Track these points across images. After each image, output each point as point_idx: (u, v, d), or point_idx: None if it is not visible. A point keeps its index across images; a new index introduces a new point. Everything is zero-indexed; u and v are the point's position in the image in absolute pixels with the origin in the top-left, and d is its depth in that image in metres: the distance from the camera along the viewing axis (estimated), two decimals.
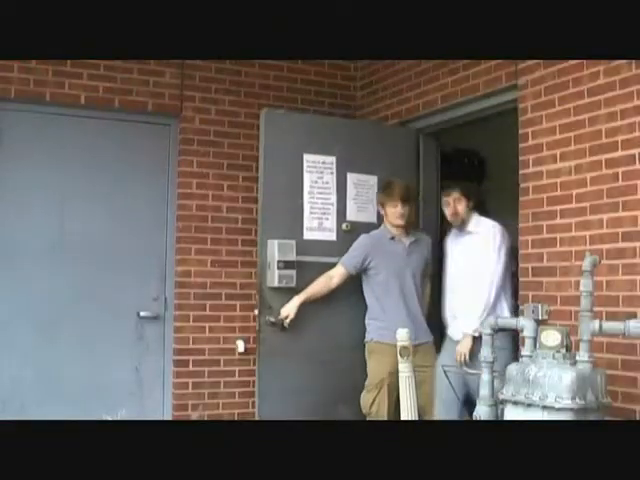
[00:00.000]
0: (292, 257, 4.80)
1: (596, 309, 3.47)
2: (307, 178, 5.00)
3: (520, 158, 4.48)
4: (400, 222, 4.79)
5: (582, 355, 3.36)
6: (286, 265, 4.77)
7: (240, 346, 5.53)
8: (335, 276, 4.80)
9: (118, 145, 5.35)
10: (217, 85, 5.63)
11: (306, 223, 4.98)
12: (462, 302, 4.53)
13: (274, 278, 4.78)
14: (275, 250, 4.78)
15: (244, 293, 5.61)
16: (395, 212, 4.77)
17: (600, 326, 3.37)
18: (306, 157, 5.01)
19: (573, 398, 3.24)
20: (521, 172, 4.47)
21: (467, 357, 4.34)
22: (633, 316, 3.51)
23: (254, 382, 5.59)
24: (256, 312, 4.87)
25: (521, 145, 4.48)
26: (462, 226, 4.63)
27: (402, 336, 4.29)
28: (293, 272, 4.79)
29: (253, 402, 5.58)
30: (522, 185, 4.45)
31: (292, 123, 5.04)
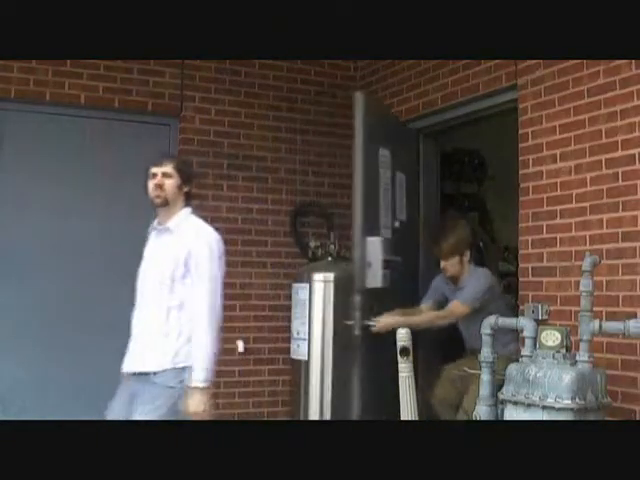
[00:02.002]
0: (387, 256, 4.53)
1: (596, 309, 3.47)
2: (382, 173, 4.79)
3: (520, 158, 4.48)
4: (448, 274, 4.64)
5: (582, 355, 3.36)
6: (386, 264, 4.52)
7: (240, 346, 5.53)
8: (456, 316, 4.50)
9: (118, 145, 5.34)
10: (217, 85, 5.64)
11: (381, 220, 4.75)
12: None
13: (377, 278, 4.46)
14: (379, 248, 4.49)
15: (244, 293, 5.62)
16: (442, 265, 4.62)
17: (600, 326, 3.37)
18: (381, 151, 4.78)
19: (573, 398, 3.25)
20: (521, 172, 4.47)
21: None
22: (633, 316, 3.52)
23: (254, 382, 5.62)
24: (357, 315, 4.46)
25: (521, 145, 4.48)
26: (165, 210, 3.56)
27: (402, 336, 4.28)
28: (388, 272, 4.54)
29: (253, 402, 5.60)
30: (522, 185, 4.45)
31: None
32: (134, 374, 3.37)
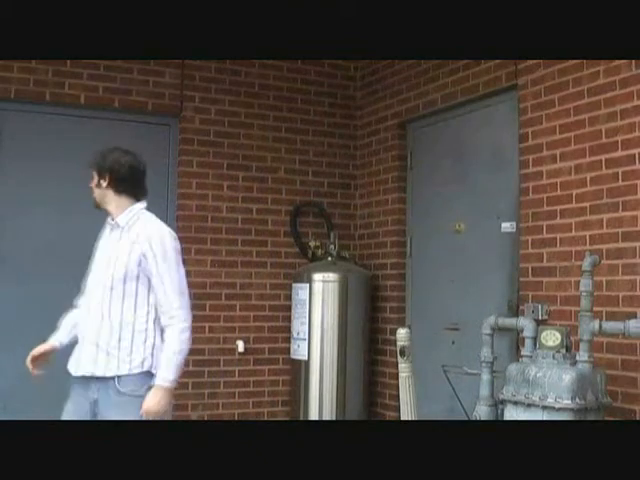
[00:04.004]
0: None
1: (596, 309, 3.48)
2: None
3: (520, 158, 4.48)
4: None
5: (582, 355, 3.37)
6: None
7: (240, 346, 5.54)
8: None
9: (118, 145, 5.33)
10: (217, 85, 5.64)
11: None
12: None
13: None
14: None
15: (244, 293, 5.62)
16: None
17: (600, 326, 3.37)
18: None
19: (573, 398, 3.25)
20: (521, 172, 4.47)
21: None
22: (633, 316, 3.51)
23: (254, 382, 5.62)
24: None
25: (521, 145, 4.48)
26: (110, 207, 3.39)
27: (402, 336, 4.28)
28: None
29: (253, 402, 5.60)
30: (522, 185, 4.45)
31: None
32: (93, 378, 3.15)
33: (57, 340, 3.48)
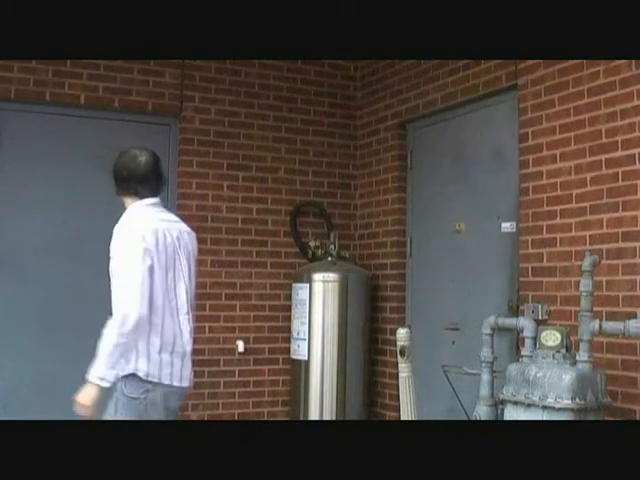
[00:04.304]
0: None
1: (596, 309, 3.48)
2: None
3: (520, 158, 4.48)
4: None
5: (582, 355, 3.37)
6: None
7: (240, 346, 5.53)
8: None
9: (118, 145, 5.32)
10: (217, 85, 5.64)
11: None
12: None
13: None
14: None
15: (244, 293, 5.62)
16: None
17: (600, 326, 3.37)
18: None
19: (573, 398, 3.25)
20: (521, 172, 4.47)
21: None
22: (633, 316, 3.51)
23: (254, 382, 5.62)
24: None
25: (521, 145, 4.48)
26: None
27: (402, 336, 4.28)
28: None
29: (253, 402, 5.60)
30: (522, 185, 4.45)
31: None
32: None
33: None
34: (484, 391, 3.78)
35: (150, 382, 3.14)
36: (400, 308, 5.54)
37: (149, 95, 5.44)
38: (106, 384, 3.07)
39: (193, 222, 5.46)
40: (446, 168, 5.27)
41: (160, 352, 3.20)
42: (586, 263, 3.43)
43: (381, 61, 5.74)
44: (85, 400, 3.06)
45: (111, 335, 3.11)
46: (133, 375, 3.12)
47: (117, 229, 3.25)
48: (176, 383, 3.23)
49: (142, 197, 3.35)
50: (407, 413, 4.22)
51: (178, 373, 3.25)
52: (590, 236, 4.00)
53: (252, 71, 5.74)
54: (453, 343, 5.04)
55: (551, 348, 3.44)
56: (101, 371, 3.07)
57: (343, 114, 6.03)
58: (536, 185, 4.34)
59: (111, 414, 3.13)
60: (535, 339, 3.58)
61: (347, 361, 5.39)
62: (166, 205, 3.49)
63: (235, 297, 5.59)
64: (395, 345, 4.32)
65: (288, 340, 5.57)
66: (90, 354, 5.14)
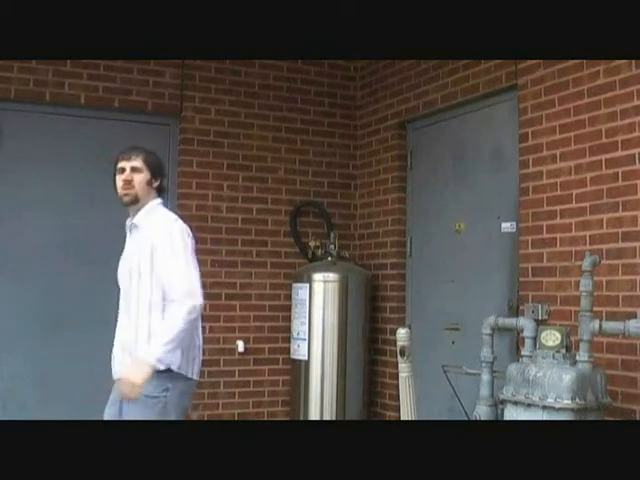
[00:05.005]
0: None
1: (596, 309, 3.48)
2: None
3: (520, 158, 4.48)
4: None
5: (582, 355, 3.37)
6: None
7: (240, 346, 5.53)
8: None
9: (118, 145, 5.32)
10: (217, 85, 5.64)
11: None
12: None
13: None
14: None
15: (244, 293, 5.62)
16: None
17: (600, 326, 3.37)
18: None
19: (573, 398, 3.25)
20: (521, 172, 4.47)
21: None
22: (633, 316, 3.52)
23: (254, 382, 5.62)
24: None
25: (521, 145, 4.48)
26: (134, 207, 3.33)
27: (402, 336, 4.28)
28: None
29: (253, 402, 5.60)
30: (522, 185, 4.45)
31: None
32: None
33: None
34: (484, 391, 3.78)
35: (171, 379, 3.11)
36: (400, 308, 5.55)
37: (149, 95, 5.44)
38: (160, 367, 3.06)
39: (193, 222, 5.46)
40: (446, 168, 5.27)
41: (191, 347, 3.23)
42: (586, 263, 3.43)
43: (381, 61, 5.74)
44: (137, 379, 3.02)
45: (178, 320, 3.07)
46: (156, 372, 3.09)
47: (166, 222, 3.23)
48: (196, 377, 3.29)
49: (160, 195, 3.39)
50: (407, 413, 4.22)
51: (198, 367, 3.30)
52: (590, 236, 4.00)
53: (252, 71, 5.74)
54: (453, 343, 5.04)
55: (551, 348, 3.44)
56: (160, 353, 3.04)
57: (343, 114, 6.02)
58: (536, 185, 4.34)
59: (131, 415, 3.10)
60: (535, 339, 3.58)
61: (347, 361, 5.39)
62: (167, 205, 3.49)
63: (235, 297, 5.59)
64: (395, 345, 4.32)
65: (288, 340, 5.57)
66: (90, 353, 5.18)
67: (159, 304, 3.16)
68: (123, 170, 3.26)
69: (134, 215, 3.31)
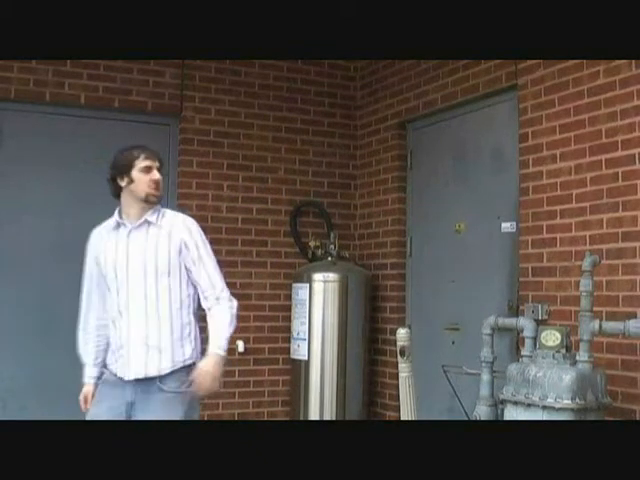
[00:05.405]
0: None
1: (596, 309, 3.48)
2: None
3: (520, 158, 4.48)
4: None
5: (582, 355, 3.37)
6: None
7: (240, 346, 5.53)
8: None
9: (118, 145, 5.32)
10: (217, 85, 5.64)
11: None
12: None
13: None
14: None
15: (244, 293, 5.61)
16: None
17: (600, 326, 3.37)
18: None
19: (573, 398, 3.25)
20: (521, 172, 4.47)
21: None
22: (633, 316, 3.52)
23: (254, 382, 5.62)
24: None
25: (521, 145, 4.48)
26: (138, 205, 3.24)
27: (402, 336, 4.28)
28: None
29: (253, 402, 5.60)
30: (522, 185, 4.45)
31: None
32: (133, 380, 3.11)
33: (92, 378, 3.34)
34: (484, 391, 3.78)
35: (189, 374, 3.13)
36: (400, 308, 5.55)
37: (149, 95, 5.44)
38: (189, 361, 3.18)
39: None
40: (446, 168, 5.27)
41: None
42: (586, 263, 3.43)
43: (381, 61, 5.74)
44: (216, 371, 3.12)
45: (234, 315, 3.32)
46: (180, 368, 3.14)
47: (186, 219, 3.27)
48: None
49: None
50: (407, 413, 4.22)
51: None
52: (590, 236, 4.00)
53: (252, 71, 5.74)
54: (453, 343, 5.04)
55: (551, 348, 3.44)
56: (225, 344, 3.17)
57: (343, 114, 6.02)
58: (536, 185, 4.35)
59: (159, 414, 3.05)
60: (535, 339, 3.58)
61: (347, 361, 5.39)
62: (167, 205, 3.49)
63: (235, 297, 5.57)
64: (395, 345, 4.32)
65: (288, 340, 5.57)
66: None
67: (189, 300, 3.25)
68: (150, 169, 3.18)
69: (138, 213, 3.20)
